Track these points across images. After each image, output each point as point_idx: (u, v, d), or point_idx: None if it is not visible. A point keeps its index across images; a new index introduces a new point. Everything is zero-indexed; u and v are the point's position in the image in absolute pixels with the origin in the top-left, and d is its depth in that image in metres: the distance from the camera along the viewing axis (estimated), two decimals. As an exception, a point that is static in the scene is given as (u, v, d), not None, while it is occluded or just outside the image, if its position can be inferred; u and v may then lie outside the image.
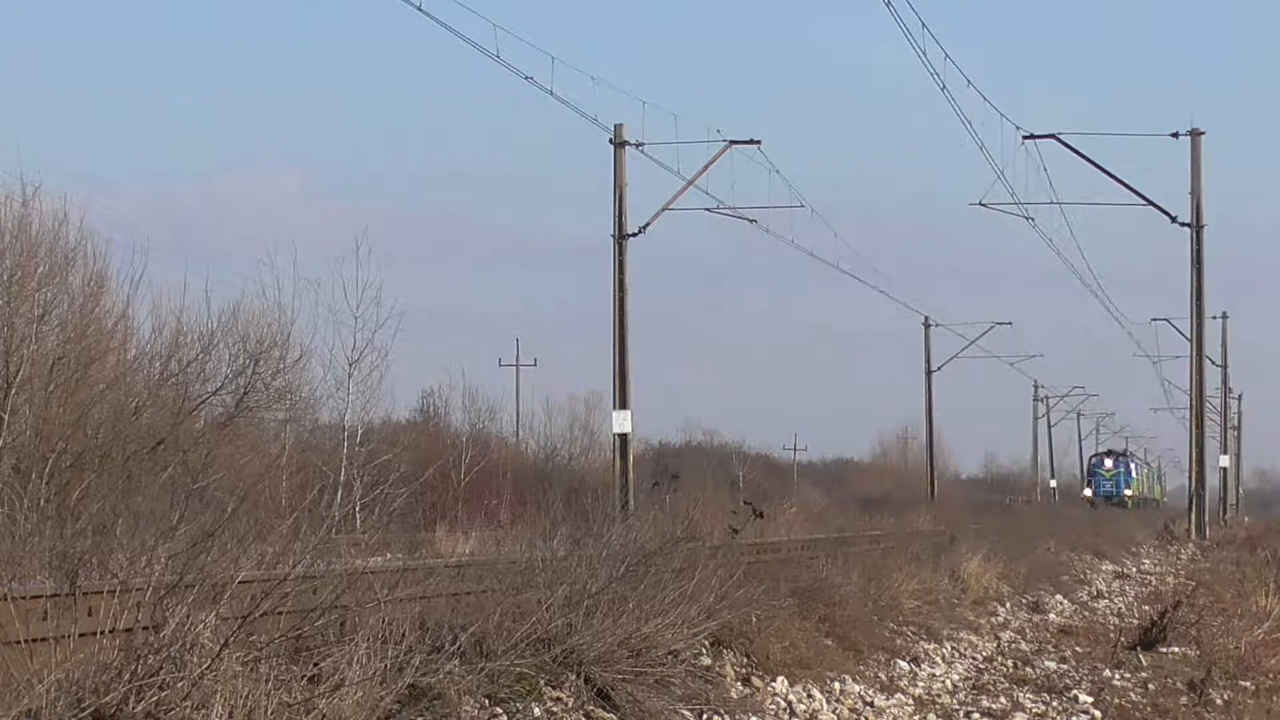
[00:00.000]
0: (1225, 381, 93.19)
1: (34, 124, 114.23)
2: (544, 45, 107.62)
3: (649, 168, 46.00)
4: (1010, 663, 22.17)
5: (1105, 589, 37.70)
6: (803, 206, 48.11)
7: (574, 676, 14.45)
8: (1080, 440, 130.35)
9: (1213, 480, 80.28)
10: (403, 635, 12.91)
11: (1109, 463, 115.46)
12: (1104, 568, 44.79)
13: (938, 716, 17.58)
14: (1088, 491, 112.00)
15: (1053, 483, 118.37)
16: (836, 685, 18.17)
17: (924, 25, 43.94)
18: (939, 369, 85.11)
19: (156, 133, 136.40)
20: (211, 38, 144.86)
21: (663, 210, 45.97)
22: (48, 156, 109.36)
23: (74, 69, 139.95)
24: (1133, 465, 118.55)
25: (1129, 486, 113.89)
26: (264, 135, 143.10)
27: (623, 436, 44.91)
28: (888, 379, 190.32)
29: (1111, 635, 25.12)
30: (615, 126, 44.43)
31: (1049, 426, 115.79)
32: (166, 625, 11.08)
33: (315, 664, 12.17)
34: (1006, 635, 25.73)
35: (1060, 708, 18.26)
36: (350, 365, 43.99)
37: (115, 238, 38.19)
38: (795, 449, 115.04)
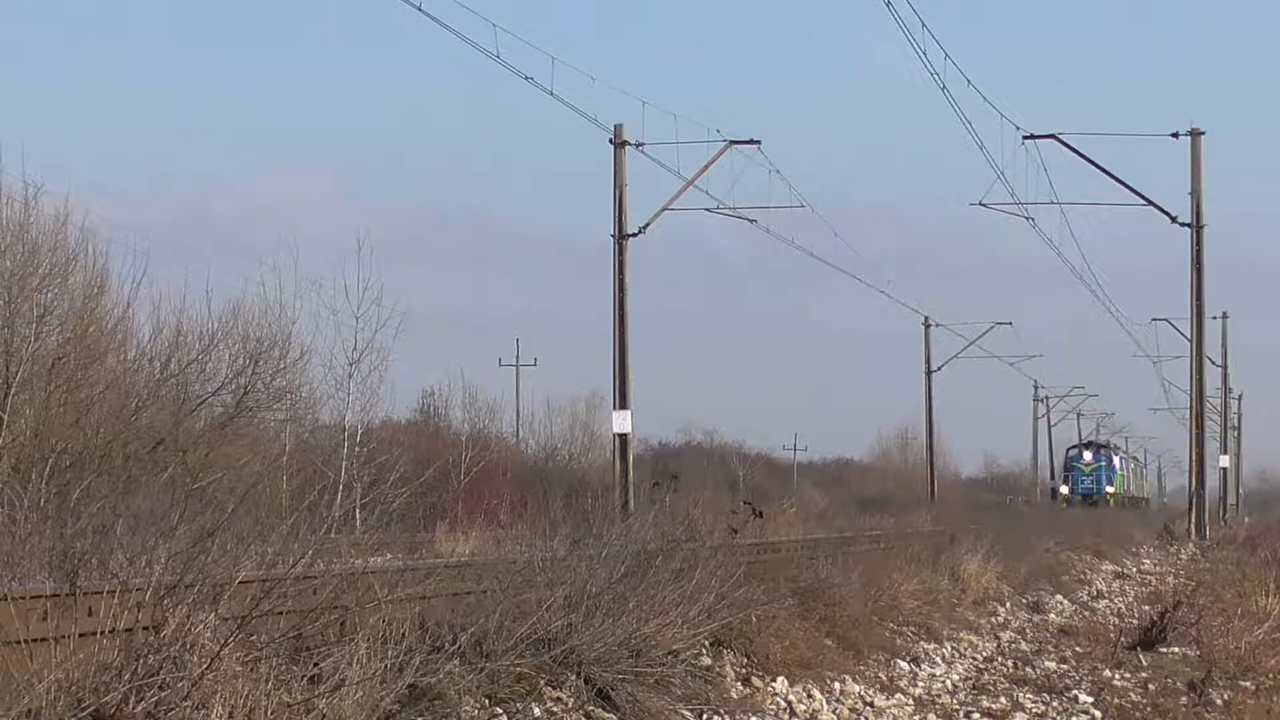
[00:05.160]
0: (1225, 381, 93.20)
1: (52, 126, 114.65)
2: (544, 45, 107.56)
3: (649, 168, 46.07)
4: (1010, 663, 22.17)
5: (1105, 589, 37.71)
6: (803, 206, 48.06)
7: (574, 676, 14.46)
8: (1080, 440, 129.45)
9: (1213, 480, 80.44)
10: (403, 635, 12.90)
11: (1088, 456, 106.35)
12: (1104, 568, 44.79)
13: (938, 716, 17.58)
14: (1064, 488, 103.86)
15: (1051, 482, 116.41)
16: (836, 685, 18.17)
17: (924, 25, 44.02)
18: (939, 369, 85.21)
19: (167, 134, 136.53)
20: (207, 38, 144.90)
21: (663, 210, 46.03)
22: (68, 160, 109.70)
23: (82, 71, 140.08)
24: (1116, 459, 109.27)
25: (1111, 483, 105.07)
26: (264, 138, 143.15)
27: (623, 436, 44.91)
28: (888, 379, 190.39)
29: (1111, 635, 25.11)
30: (615, 126, 44.46)
31: (1049, 426, 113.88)
32: (166, 625, 11.08)
33: (315, 664, 12.18)
34: (1006, 635, 25.73)
35: (1060, 708, 18.25)
36: (351, 365, 44.06)
37: (135, 242, 38.28)
38: (795, 449, 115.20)
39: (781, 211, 47.68)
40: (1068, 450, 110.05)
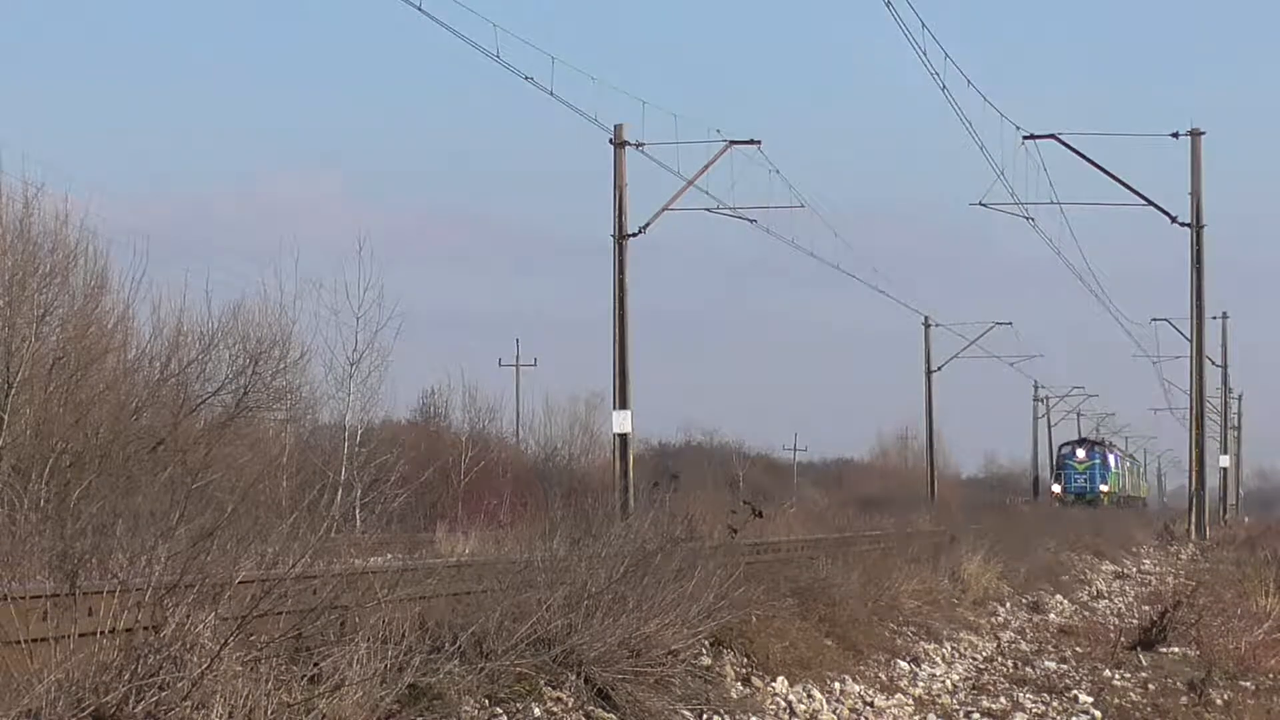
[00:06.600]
0: (1225, 381, 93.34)
1: (52, 126, 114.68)
2: (544, 45, 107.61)
3: (649, 168, 46.05)
4: (1010, 663, 22.16)
5: (1105, 589, 37.71)
6: (803, 206, 48.17)
7: (574, 676, 14.45)
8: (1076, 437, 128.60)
9: (1213, 480, 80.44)
10: (403, 635, 12.91)
11: (1081, 453, 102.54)
12: (1104, 568, 44.80)
13: (938, 716, 17.58)
14: (1056, 486, 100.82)
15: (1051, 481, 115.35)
16: (836, 685, 18.17)
17: (924, 25, 44.00)
18: (939, 369, 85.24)
19: (168, 134, 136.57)
20: (208, 38, 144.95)
21: (663, 210, 46.03)
22: (68, 160, 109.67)
23: (83, 71, 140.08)
24: (1111, 457, 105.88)
25: (1105, 481, 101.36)
26: (265, 138, 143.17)
27: (623, 436, 44.89)
28: (888, 379, 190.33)
29: (1111, 635, 25.12)
30: (615, 126, 44.45)
31: (1049, 426, 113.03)
32: (166, 625, 11.08)
33: (315, 664, 12.17)
34: (1006, 635, 25.73)
35: (1060, 708, 18.25)
36: (351, 365, 44.12)
37: (135, 242, 38.07)
38: (795, 449, 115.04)
39: (781, 211, 47.75)
40: (1060, 447, 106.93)
